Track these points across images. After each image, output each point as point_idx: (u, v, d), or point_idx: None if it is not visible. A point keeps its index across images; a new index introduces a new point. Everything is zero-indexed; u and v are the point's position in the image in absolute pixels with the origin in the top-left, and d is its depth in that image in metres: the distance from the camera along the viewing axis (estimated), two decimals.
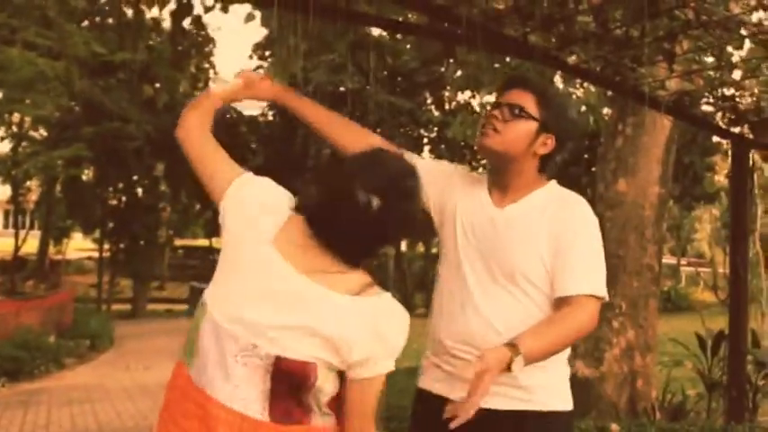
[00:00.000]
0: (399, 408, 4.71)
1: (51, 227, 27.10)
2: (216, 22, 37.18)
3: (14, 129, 23.39)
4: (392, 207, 1.58)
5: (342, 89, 18.63)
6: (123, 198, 22.67)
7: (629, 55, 4.08)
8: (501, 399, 1.93)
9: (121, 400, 8.53)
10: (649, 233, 6.39)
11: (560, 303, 1.94)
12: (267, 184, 1.73)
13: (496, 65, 6.52)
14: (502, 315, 1.98)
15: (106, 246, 23.99)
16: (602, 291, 1.96)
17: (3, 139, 24.71)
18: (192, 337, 1.63)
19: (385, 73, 19.47)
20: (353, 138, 2.17)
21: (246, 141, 23.09)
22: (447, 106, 21.91)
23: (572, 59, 4.33)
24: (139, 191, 22.95)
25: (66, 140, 18.54)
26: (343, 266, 1.59)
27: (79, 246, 36.13)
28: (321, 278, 1.56)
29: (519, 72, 2.73)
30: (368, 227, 1.59)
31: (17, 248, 25.93)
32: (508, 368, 1.72)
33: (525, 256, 1.99)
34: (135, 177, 22.04)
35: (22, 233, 26.95)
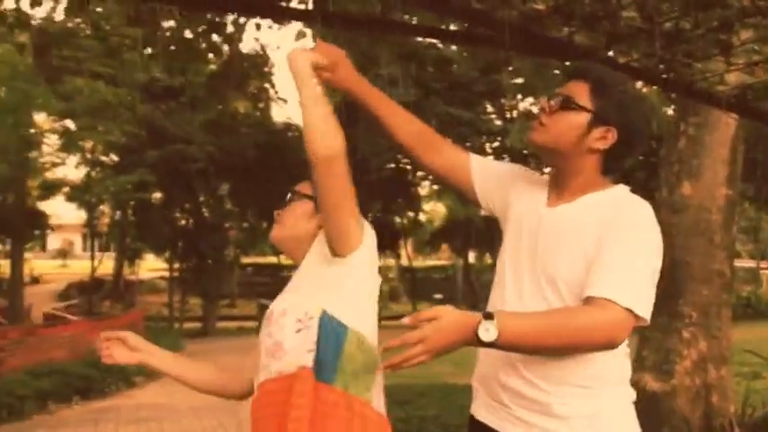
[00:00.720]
0: (458, 426, 4.57)
1: (125, 248, 27.96)
2: (274, 42, 37.78)
3: (88, 155, 24.26)
4: None
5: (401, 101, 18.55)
6: (190, 219, 23.17)
7: (682, 50, 3.86)
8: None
9: (189, 419, 8.60)
10: (718, 238, 6.05)
11: (584, 303, 1.64)
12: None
13: (555, 71, 6.34)
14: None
15: (177, 265, 24.57)
16: (634, 303, 1.58)
17: (78, 165, 25.69)
18: None
19: (441, 84, 19.32)
20: (421, 138, 2.05)
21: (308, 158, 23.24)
22: (508, 114, 21.65)
23: (623, 58, 4.14)
24: (205, 211, 23.41)
25: (132, 165, 19.08)
26: None
27: (152, 266, 37.15)
28: None
29: (581, 62, 2.25)
30: None
31: (93, 270, 26.82)
32: (477, 339, 1.49)
33: (570, 260, 1.72)
34: (201, 198, 22.50)
35: (97, 255, 27.90)
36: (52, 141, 21.39)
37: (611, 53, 4.09)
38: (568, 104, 1.77)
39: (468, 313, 1.54)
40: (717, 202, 6.10)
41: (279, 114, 26.07)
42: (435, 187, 27.82)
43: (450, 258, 39.46)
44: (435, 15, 4.12)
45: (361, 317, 1.75)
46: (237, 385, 2.01)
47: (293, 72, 1.70)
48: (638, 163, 15.46)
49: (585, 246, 1.71)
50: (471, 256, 32.74)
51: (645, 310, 1.61)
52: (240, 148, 20.44)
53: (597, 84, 1.78)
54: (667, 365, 5.84)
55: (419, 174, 25.62)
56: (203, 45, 7.77)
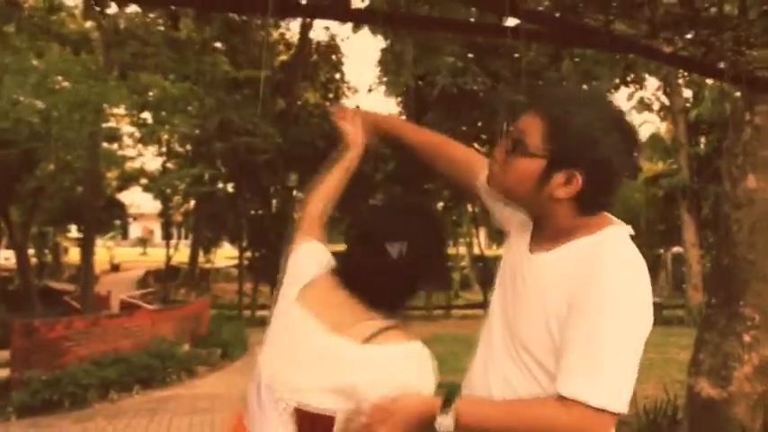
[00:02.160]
0: None
1: (200, 237, 28.62)
2: (344, 32, 37.91)
3: (163, 149, 24.97)
4: (416, 252, 1.59)
5: (467, 89, 18.28)
6: (259, 209, 23.51)
7: (731, 37, 3.56)
8: None
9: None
10: None
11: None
12: (313, 248, 1.82)
13: (617, 56, 6.04)
14: (502, 388, 1.55)
15: (249, 254, 25.00)
16: (609, 400, 1.34)
17: (155, 156, 26.46)
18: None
19: (510, 72, 18.91)
20: (458, 158, 1.99)
21: (378, 148, 23.24)
22: None
23: (668, 48, 3.86)
24: (274, 201, 23.72)
25: (201, 156, 19.48)
26: (374, 316, 1.59)
27: (228, 254, 37.99)
28: (346, 331, 1.58)
29: (537, 88, 1.85)
30: (392, 274, 1.60)
31: (169, 258, 27.61)
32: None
33: (534, 323, 1.50)
34: (271, 190, 22.79)
35: (175, 244, 28.72)
36: (129, 133, 22.12)
37: (655, 42, 3.83)
38: (520, 149, 1.49)
39: (426, 400, 1.46)
40: None
41: (349, 104, 26.15)
42: None
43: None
44: (461, 5, 3.94)
45: None
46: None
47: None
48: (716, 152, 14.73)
49: (549, 315, 1.47)
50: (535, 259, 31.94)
51: (621, 403, 1.36)
52: (309, 138, 20.55)
53: (552, 120, 1.47)
54: (726, 371, 5.49)
55: None
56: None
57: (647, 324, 1.42)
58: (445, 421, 1.37)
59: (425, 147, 2.03)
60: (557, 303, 1.45)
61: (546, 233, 1.55)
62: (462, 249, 35.55)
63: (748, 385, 5.44)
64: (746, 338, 5.53)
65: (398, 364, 1.53)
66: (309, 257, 1.78)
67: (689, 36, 3.56)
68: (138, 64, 13.08)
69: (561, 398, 1.35)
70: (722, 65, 3.81)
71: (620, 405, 1.35)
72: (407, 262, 1.59)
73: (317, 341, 1.58)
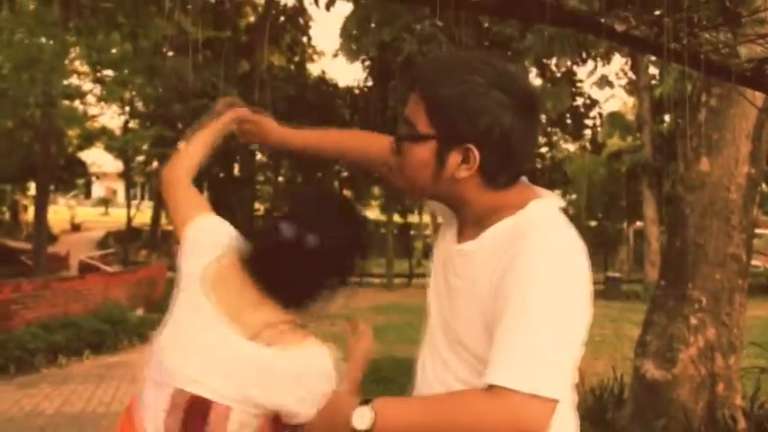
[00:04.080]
0: None
1: (162, 199, 28.25)
2: None
3: (127, 108, 24.46)
4: (329, 243, 1.50)
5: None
6: (221, 173, 23.22)
7: (685, 18, 3.46)
8: None
9: None
10: (736, 219, 5.64)
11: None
12: (215, 222, 1.70)
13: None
14: (442, 385, 1.44)
15: None
16: (542, 385, 1.21)
17: (121, 114, 25.94)
18: None
19: (478, 41, 18.70)
20: (367, 144, 1.90)
21: (342, 114, 23.03)
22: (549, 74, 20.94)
23: (621, 26, 3.75)
24: (236, 165, 23.43)
25: (161, 117, 19.08)
26: (284, 312, 1.52)
27: None
28: (239, 320, 1.50)
29: (413, 68, 1.60)
30: (302, 266, 1.51)
31: (130, 219, 27.23)
32: (351, 427, 1.25)
33: (468, 317, 1.39)
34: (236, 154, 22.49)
35: (139, 205, 28.29)
36: (91, 90, 21.57)
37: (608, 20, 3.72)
38: (410, 135, 1.37)
39: (346, 397, 1.38)
40: (737, 180, 5.68)
41: (315, 68, 25.81)
42: None
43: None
44: None
45: None
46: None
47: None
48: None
49: (481, 307, 1.35)
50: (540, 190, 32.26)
51: (555, 388, 1.22)
52: (271, 101, 20.22)
53: (430, 96, 1.35)
54: (671, 353, 5.52)
55: None
56: None
57: (580, 301, 1.29)
58: (365, 416, 1.26)
59: (326, 146, 1.96)
60: (486, 294, 1.34)
61: (469, 220, 1.43)
62: (426, 218, 35.62)
63: (692, 367, 5.48)
64: (693, 321, 5.56)
65: (306, 371, 1.47)
66: (216, 233, 1.66)
67: (641, 15, 3.44)
68: (97, 21, 12.63)
69: (490, 387, 1.22)
70: (675, 46, 3.71)
71: (554, 390, 1.22)
72: (315, 253, 1.49)
73: (210, 329, 1.51)
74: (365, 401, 1.27)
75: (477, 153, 1.32)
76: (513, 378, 1.20)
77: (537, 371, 1.21)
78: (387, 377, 5.22)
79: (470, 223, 1.43)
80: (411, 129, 1.38)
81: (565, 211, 1.42)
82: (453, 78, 1.33)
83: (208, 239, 1.63)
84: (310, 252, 1.49)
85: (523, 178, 1.45)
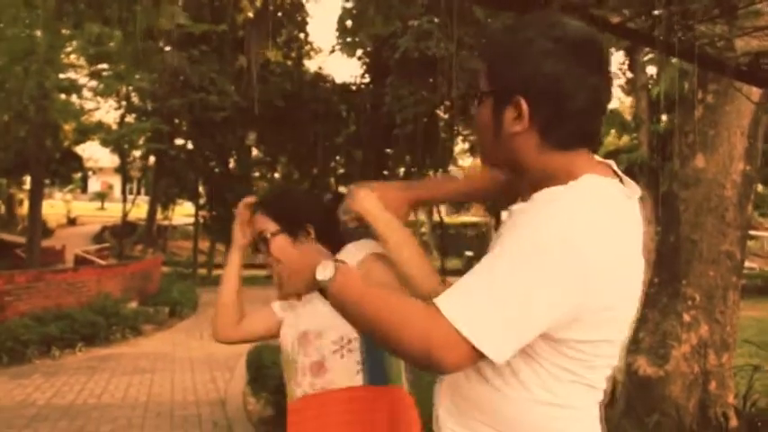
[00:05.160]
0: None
1: (159, 194, 28.14)
2: None
3: (124, 102, 24.35)
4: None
5: (429, 54, 18.02)
6: (217, 168, 23.13)
7: (679, 10, 3.44)
8: None
9: (182, 371, 8.58)
10: (730, 216, 5.62)
11: None
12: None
13: None
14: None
15: (206, 213, 24.68)
16: (461, 316, 1.16)
17: (117, 109, 25.84)
18: None
19: (475, 39, 18.64)
20: None
21: (339, 110, 22.96)
22: None
23: (616, 18, 3.73)
24: (232, 160, 23.35)
25: (158, 112, 19.01)
26: None
27: (186, 212, 37.52)
28: None
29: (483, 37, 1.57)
30: None
31: (125, 214, 27.14)
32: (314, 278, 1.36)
33: None
34: (228, 147, 22.38)
35: (136, 200, 28.18)
36: (87, 85, 21.46)
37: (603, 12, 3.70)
38: (476, 100, 1.35)
39: (322, 251, 1.59)
40: (732, 177, 5.65)
41: (312, 65, 25.69)
42: (467, 145, 27.36)
43: (483, 216, 39.19)
44: None
45: None
46: (235, 329, 2.12)
47: (364, 213, 1.65)
48: None
49: None
50: (504, 215, 32.27)
51: (482, 333, 1.15)
52: (269, 97, 20.16)
53: (485, 53, 1.35)
54: (664, 349, 5.49)
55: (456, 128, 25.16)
56: None
57: (561, 277, 1.18)
58: (328, 268, 1.35)
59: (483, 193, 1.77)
60: None
61: (528, 188, 1.35)
62: (422, 216, 35.62)
63: (685, 364, 5.45)
64: (686, 318, 5.53)
65: None
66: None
67: (636, 7, 3.42)
68: (93, 14, 12.58)
69: (432, 304, 1.20)
70: (670, 38, 3.69)
71: (475, 333, 1.16)
72: None
73: None
74: (336, 260, 1.36)
75: (524, 104, 1.26)
76: (447, 301, 1.18)
77: (470, 307, 1.17)
78: None
79: (529, 191, 1.34)
80: (477, 93, 1.36)
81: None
82: (505, 35, 1.33)
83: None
84: None
85: (596, 157, 1.36)
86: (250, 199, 2.08)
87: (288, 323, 1.99)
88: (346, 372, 1.84)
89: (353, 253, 1.82)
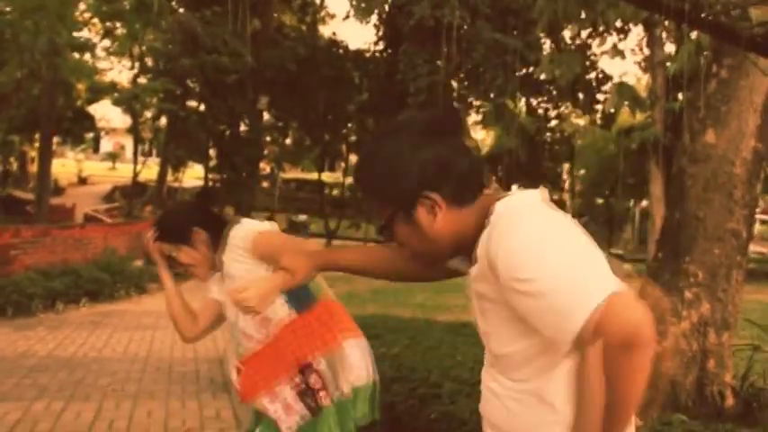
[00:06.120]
0: (411, 369, 4.31)
1: (170, 156, 28.14)
2: None
3: (137, 63, 24.27)
4: None
5: (444, 23, 17.78)
6: (228, 131, 23.06)
7: None
8: None
9: None
10: (738, 194, 5.53)
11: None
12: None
13: None
14: (491, 393, 1.54)
15: (215, 176, 24.67)
16: (598, 295, 1.26)
17: (130, 69, 25.78)
18: None
19: (492, 9, 18.42)
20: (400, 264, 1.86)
21: (352, 77, 22.79)
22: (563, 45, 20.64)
23: None
24: (243, 124, 23.26)
25: (170, 72, 18.91)
26: None
27: (197, 174, 37.57)
28: None
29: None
30: None
31: (136, 175, 27.19)
32: None
33: (494, 330, 1.48)
34: (243, 113, 22.29)
35: (147, 161, 28.18)
36: (100, 44, 21.45)
37: None
38: (383, 226, 1.53)
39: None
40: (742, 155, 5.54)
41: (326, 30, 25.52)
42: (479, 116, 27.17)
43: (495, 189, 39.09)
44: None
45: None
46: (195, 328, 2.57)
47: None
48: None
49: (498, 310, 1.43)
50: (514, 188, 32.25)
51: (609, 284, 1.27)
52: (281, 61, 20.00)
53: (367, 187, 1.55)
54: (662, 325, 5.43)
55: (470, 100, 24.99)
56: None
57: (564, 224, 1.35)
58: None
59: (376, 268, 1.91)
60: (497, 303, 1.41)
61: (468, 252, 1.49)
62: None
63: (684, 341, 5.41)
64: (688, 295, 5.47)
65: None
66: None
67: None
68: None
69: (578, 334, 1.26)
70: (683, 7, 3.60)
71: (610, 285, 1.25)
72: None
73: None
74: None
75: (429, 194, 1.43)
76: (583, 306, 1.24)
77: (587, 287, 1.25)
78: (378, 333, 5.26)
79: (471, 253, 1.47)
80: (382, 218, 1.52)
81: (554, 200, 1.45)
82: (370, 163, 1.50)
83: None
84: None
85: (487, 190, 1.53)
86: (150, 235, 2.52)
87: (224, 298, 2.44)
88: (281, 311, 2.35)
89: (241, 239, 2.33)
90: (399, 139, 1.46)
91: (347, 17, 26.41)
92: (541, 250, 1.29)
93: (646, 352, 1.33)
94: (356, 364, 2.39)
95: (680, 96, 21.99)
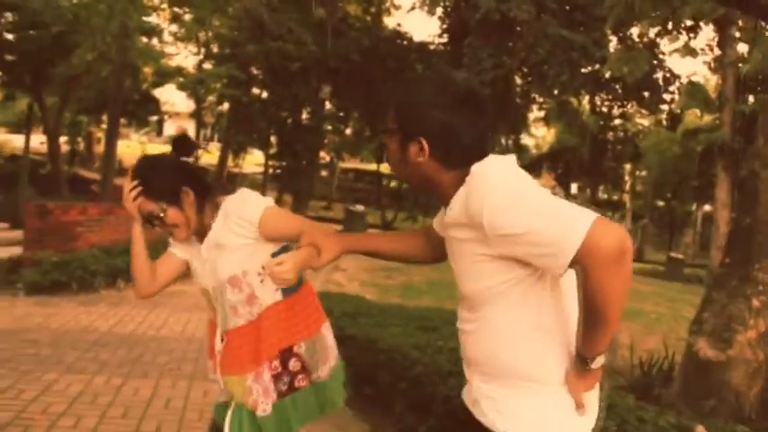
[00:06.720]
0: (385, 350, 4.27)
1: (231, 141, 28.59)
2: None
3: (202, 48, 24.67)
4: None
5: (511, 17, 17.58)
6: (289, 118, 23.25)
7: None
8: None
9: None
10: None
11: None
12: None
13: None
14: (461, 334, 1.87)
15: (275, 163, 24.95)
16: (583, 224, 1.51)
17: (195, 54, 26.24)
18: None
19: (558, 4, 18.10)
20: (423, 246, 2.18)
21: (415, 69, 22.72)
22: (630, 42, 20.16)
23: None
24: (305, 112, 23.42)
25: (235, 58, 19.15)
26: None
27: (257, 161, 38.07)
28: None
29: (390, 85, 2.20)
30: None
31: (197, 159, 27.68)
32: None
33: (463, 270, 1.76)
34: (305, 102, 22.44)
35: (208, 146, 28.63)
36: (168, 29, 21.87)
37: None
38: (386, 132, 1.81)
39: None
40: None
41: (390, 22, 25.48)
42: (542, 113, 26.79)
43: (552, 187, 38.57)
44: None
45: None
46: (152, 284, 2.57)
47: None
48: None
49: (468, 253, 1.70)
50: (574, 187, 31.74)
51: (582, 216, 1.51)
52: (345, 51, 20.06)
53: (395, 103, 1.79)
54: (728, 333, 5.29)
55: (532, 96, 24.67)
56: None
57: (533, 182, 1.64)
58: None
59: (393, 254, 2.19)
60: (468, 245, 1.68)
61: (445, 198, 1.77)
62: None
63: (749, 351, 5.25)
64: (755, 303, 5.31)
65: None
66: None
67: None
68: None
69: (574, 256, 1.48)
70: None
71: (590, 213, 1.49)
72: None
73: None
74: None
75: (426, 144, 1.72)
76: (570, 228, 1.48)
77: (572, 219, 1.49)
78: (434, 326, 5.24)
79: (447, 200, 1.76)
80: (385, 125, 1.81)
81: (614, 200, 1.61)
82: (409, 88, 1.77)
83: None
84: None
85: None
86: (129, 185, 2.34)
87: (198, 263, 2.45)
88: (269, 292, 2.31)
89: (256, 204, 2.26)
90: (439, 93, 1.71)
91: (412, 8, 26.32)
92: (523, 201, 1.55)
93: (630, 260, 1.48)
94: (330, 344, 2.49)
95: (750, 98, 21.28)
